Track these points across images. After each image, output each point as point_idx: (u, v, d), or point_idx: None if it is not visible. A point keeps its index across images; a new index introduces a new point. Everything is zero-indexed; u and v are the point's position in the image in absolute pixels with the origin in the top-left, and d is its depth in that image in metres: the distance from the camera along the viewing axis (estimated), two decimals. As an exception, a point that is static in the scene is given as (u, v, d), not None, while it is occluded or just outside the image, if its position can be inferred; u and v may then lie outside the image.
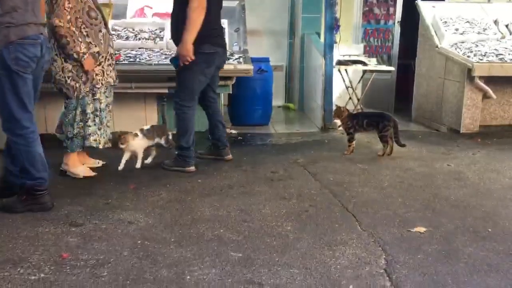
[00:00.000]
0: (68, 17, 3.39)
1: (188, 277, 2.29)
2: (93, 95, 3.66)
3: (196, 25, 3.69)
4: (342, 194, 3.50)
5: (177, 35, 3.83)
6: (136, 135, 3.96)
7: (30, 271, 2.31)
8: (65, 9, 3.38)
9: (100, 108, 3.73)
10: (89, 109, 3.66)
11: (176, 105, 3.96)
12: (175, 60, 3.89)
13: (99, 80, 3.65)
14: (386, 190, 3.62)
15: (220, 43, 4.02)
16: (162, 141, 4.10)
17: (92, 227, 2.85)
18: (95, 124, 3.72)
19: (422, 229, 2.87)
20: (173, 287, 2.20)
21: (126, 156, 3.99)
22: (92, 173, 3.78)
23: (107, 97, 3.80)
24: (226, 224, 2.93)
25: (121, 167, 3.94)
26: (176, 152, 4.02)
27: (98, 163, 4.02)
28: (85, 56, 3.48)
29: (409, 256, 2.54)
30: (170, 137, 4.16)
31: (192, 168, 3.98)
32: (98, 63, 3.59)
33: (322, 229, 2.89)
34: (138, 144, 3.98)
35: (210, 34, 3.85)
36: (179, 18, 3.80)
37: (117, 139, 3.91)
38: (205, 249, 2.58)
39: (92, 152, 4.02)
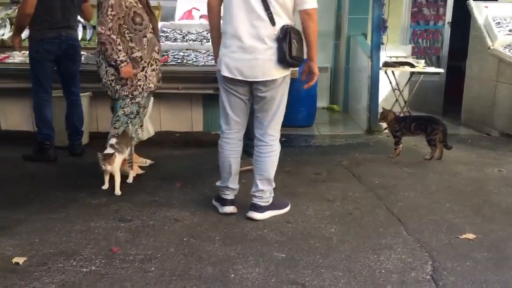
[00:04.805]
0: (110, 24, 3.47)
1: (232, 275, 2.33)
2: (132, 98, 3.67)
3: None
4: (387, 198, 3.45)
5: None
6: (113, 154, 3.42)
7: (82, 264, 2.42)
8: (107, 17, 3.46)
9: (137, 111, 3.73)
10: (120, 112, 3.67)
11: None
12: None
13: (140, 85, 3.66)
14: (434, 195, 3.54)
15: None
16: (126, 154, 3.57)
17: (140, 223, 2.94)
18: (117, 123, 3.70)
19: (471, 236, 2.79)
20: (217, 284, 2.24)
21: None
22: (141, 171, 3.90)
23: (147, 99, 3.79)
24: (269, 224, 2.95)
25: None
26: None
27: (146, 162, 4.12)
28: (123, 64, 3.52)
29: (457, 263, 2.48)
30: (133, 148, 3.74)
31: None
32: (141, 68, 3.64)
33: (367, 232, 2.86)
34: (117, 162, 3.46)
35: None
36: None
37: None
38: (249, 249, 2.61)
39: (141, 151, 4.14)
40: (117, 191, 3.42)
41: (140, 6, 3.62)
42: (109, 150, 3.40)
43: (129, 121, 3.71)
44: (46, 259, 2.45)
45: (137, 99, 3.70)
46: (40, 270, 2.33)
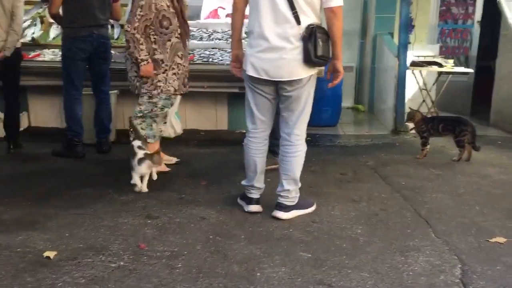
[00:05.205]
0: (136, 24, 3.54)
1: (258, 274, 2.33)
2: (149, 97, 3.72)
3: None
4: (414, 199, 3.40)
5: None
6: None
7: (111, 259, 2.45)
8: (135, 16, 3.54)
9: (152, 111, 3.74)
10: (138, 108, 3.74)
11: None
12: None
13: (159, 86, 3.71)
14: (462, 197, 3.48)
15: None
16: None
17: (167, 220, 2.97)
18: (143, 124, 3.75)
19: (502, 240, 2.73)
20: (243, 283, 2.25)
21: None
22: (167, 169, 3.93)
23: (165, 101, 3.79)
24: (295, 224, 2.94)
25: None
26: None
27: (172, 160, 4.16)
28: (143, 63, 3.59)
29: (487, 267, 2.43)
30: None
31: None
32: (162, 70, 3.68)
33: (394, 234, 2.83)
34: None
35: None
36: None
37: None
38: (274, 248, 2.61)
39: (167, 149, 4.18)
40: (144, 188, 3.46)
41: (172, 10, 3.65)
42: (141, 152, 3.46)
43: (139, 115, 3.76)
44: (76, 253, 2.50)
45: (154, 100, 3.73)
46: (70, 265, 2.38)
